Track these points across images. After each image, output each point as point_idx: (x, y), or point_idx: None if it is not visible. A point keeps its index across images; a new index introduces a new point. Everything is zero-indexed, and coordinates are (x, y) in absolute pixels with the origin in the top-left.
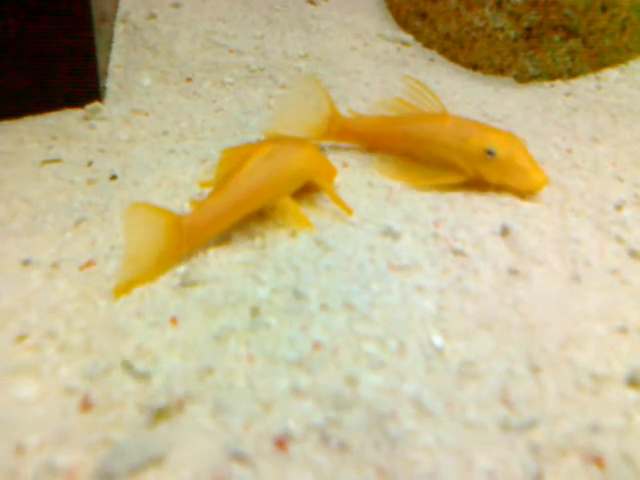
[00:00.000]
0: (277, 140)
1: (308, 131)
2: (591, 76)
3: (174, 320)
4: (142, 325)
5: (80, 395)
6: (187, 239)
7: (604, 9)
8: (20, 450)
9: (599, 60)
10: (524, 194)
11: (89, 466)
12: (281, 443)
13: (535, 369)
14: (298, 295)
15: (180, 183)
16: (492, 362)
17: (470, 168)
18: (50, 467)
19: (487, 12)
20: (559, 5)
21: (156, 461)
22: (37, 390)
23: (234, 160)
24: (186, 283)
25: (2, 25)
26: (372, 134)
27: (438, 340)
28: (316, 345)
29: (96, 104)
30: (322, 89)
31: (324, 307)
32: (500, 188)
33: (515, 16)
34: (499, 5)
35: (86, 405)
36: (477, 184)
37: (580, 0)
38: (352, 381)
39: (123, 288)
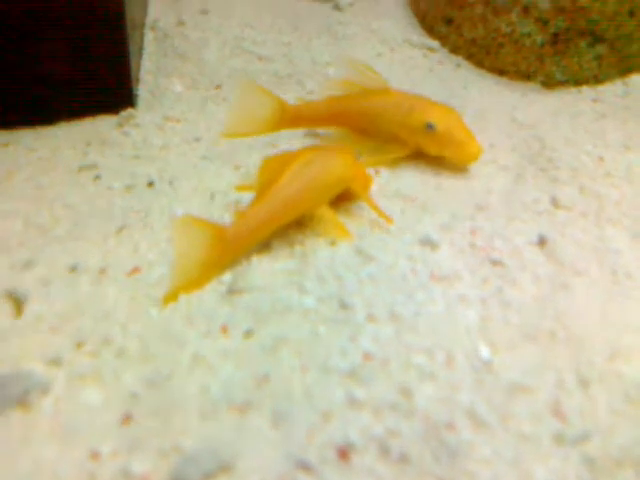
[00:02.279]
0: (315, 148)
1: (262, 125)
2: (618, 82)
3: (225, 328)
4: (195, 333)
5: (145, 401)
6: (231, 249)
7: (632, 14)
8: (95, 456)
9: (626, 65)
10: (461, 165)
11: (163, 472)
12: (344, 453)
13: (584, 382)
14: (343, 304)
15: (216, 189)
16: (541, 375)
17: (412, 141)
18: (126, 473)
19: (514, 18)
20: (587, 11)
21: (226, 468)
22: (103, 396)
23: (274, 168)
24: (233, 290)
25: (39, 34)
26: (323, 116)
27: (485, 352)
28: (366, 355)
29: (130, 110)
30: (261, 87)
31: (370, 317)
32: (441, 162)
33: (542, 22)
34: (526, 11)
35: (152, 411)
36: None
37: (608, 5)
38: (406, 392)
39: (172, 295)
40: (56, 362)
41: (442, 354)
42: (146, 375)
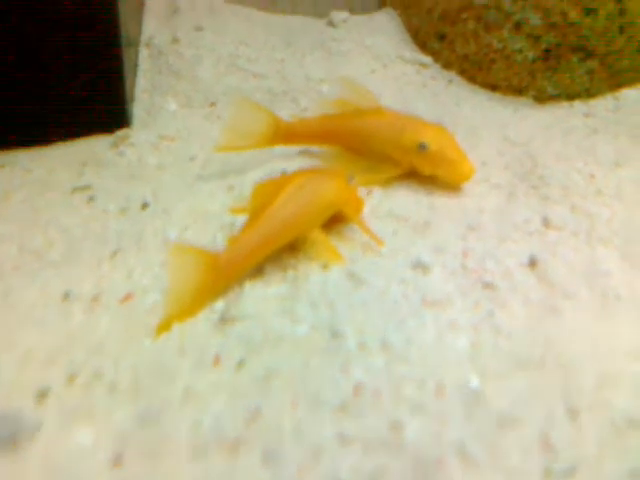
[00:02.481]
0: (307, 172)
1: (255, 140)
2: (609, 96)
3: (217, 359)
4: (187, 365)
5: (136, 441)
6: (224, 275)
7: (622, 30)
8: None
9: (617, 80)
10: (454, 185)
11: None
12: None
13: (573, 412)
14: (335, 333)
15: (210, 212)
16: (530, 405)
17: (405, 160)
18: None
19: (506, 34)
20: (577, 27)
21: None
22: (94, 436)
23: (266, 193)
24: (225, 319)
25: (34, 52)
26: (316, 133)
27: (475, 382)
28: (357, 387)
29: (125, 130)
30: (256, 103)
31: (362, 345)
32: (433, 181)
33: (533, 38)
34: (517, 27)
35: (143, 452)
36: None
37: (598, 22)
38: (396, 426)
39: (165, 325)
40: (46, 398)
41: (432, 384)
42: (138, 412)
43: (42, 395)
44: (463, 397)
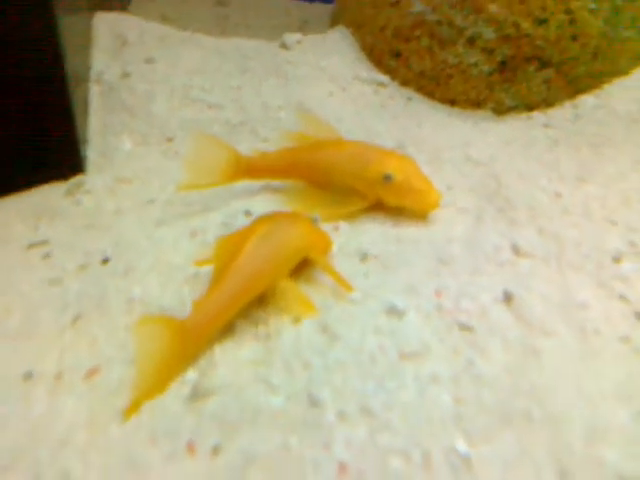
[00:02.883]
0: (269, 219)
1: (218, 177)
2: (567, 104)
3: (191, 447)
4: (159, 456)
5: None
6: (193, 342)
7: (574, 38)
8: None
9: (574, 87)
10: (421, 214)
11: None
12: None
13: (564, 472)
14: (313, 401)
15: (174, 264)
16: (520, 467)
17: (370, 193)
18: None
19: (460, 49)
20: (531, 38)
21: None
22: None
23: (229, 248)
24: (197, 395)
25: None
26: (278, 168)
27: (462, 446)
28: (341, 467)
29: (79, 177)
30: (215, 139)
31: (342, 415)
32: (400, 210)
33: (488, 51)
34: (471, 42)
35: None
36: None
37: (550, 31)
38: None
39: (133, 407)
40: None
41: (418, 454)
42: None
43: None
44: (451, 465)
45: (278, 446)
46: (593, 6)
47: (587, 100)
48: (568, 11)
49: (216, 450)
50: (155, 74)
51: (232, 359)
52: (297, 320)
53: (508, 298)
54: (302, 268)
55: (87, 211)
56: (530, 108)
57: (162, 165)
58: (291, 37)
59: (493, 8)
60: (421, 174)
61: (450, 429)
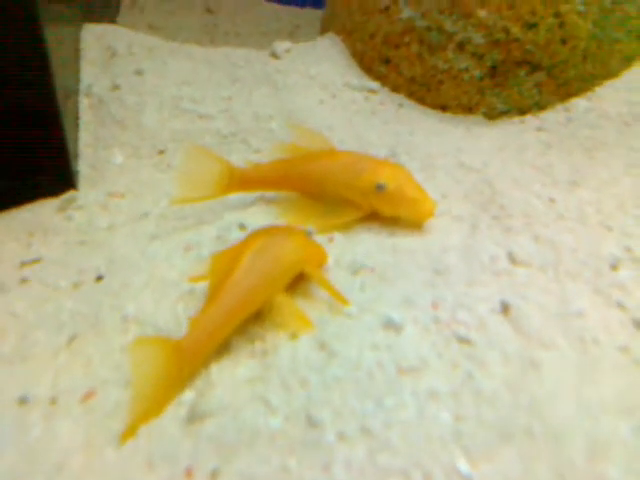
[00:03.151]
0: (264, 233)
1: (211, 190)
2: (559, 107)
3: (189, 472)
4: None
5: None
6: (189, 362)
7: (564, 42)
8: None
9: (566, 90)
10: (416, 223)
11: None
12: None
13: None
14: (312, 421)
15: (168, 280)
16: None
17: (364, 203)
18: None
19: (450, 55)
20: (521, 42)
21: None
22: None
23: (223, 264)
24: (194, 417)
25: None
26: (271, 179)
27: (463, 466)
28: None
29: (71, 192)
30: (207, 151)
31: (341, 436)
32: (395, 220)
33: (478, 56)
34: (461, 47)
35: None
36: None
37: (540, 35)
38: None
39: (130, 430)
40: None
41: (419, 475)
42: None
43: None
44: None
45: (277, 468)
46: (582, 9)
47: (579, 103)
48: (557, 14)
49: (214, 474)
50: (145, 86)
51: (229, 378)
52: (294, 336)
53: (505, 309)
54: (298, 282)
55: (80, 227)
56: (522, 112)
57: (154, 178)
58: (281, 45)
59: (482, 13)
60: (415, 183)
61: (450, 447)
